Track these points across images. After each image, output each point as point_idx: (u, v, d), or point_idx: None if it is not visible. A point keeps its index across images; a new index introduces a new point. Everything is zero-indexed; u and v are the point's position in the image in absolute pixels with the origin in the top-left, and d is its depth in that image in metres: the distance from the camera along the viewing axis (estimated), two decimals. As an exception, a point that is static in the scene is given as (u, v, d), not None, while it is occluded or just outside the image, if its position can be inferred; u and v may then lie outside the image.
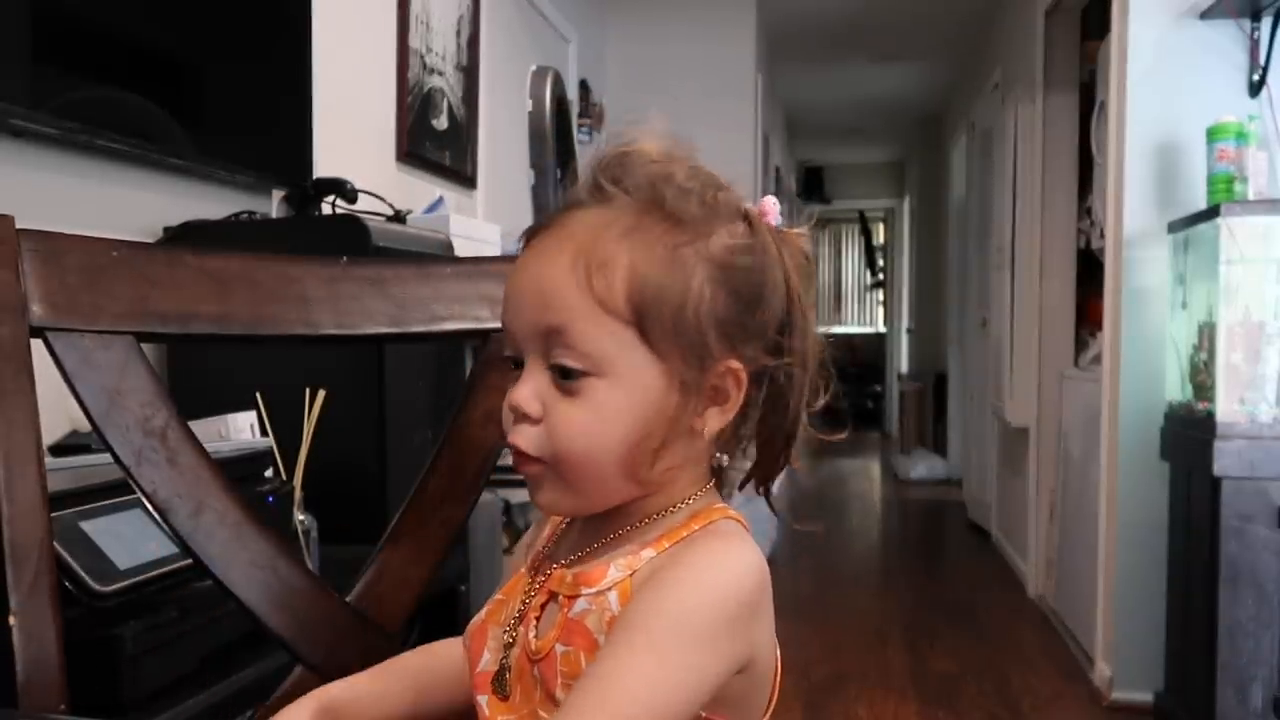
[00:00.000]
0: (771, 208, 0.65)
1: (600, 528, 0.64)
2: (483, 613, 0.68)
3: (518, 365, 0.63)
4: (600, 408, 0.59)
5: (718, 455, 0.65)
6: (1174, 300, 2.73)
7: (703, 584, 0.57)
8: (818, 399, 0.66)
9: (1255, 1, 2.64)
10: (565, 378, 0.60)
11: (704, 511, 0.63)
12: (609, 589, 0.60)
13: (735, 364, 0.61)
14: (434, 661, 0.74)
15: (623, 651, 0.56)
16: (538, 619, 0.63)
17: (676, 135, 0.65)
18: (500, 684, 0.64)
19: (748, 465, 0.67)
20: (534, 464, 0.62)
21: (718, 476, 0.66)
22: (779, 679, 0.64)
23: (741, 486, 0.67)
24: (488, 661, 0.65)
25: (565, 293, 0.59)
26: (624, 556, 0.61)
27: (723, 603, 0.57)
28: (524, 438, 0.61)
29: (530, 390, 0.61)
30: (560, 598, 0.62)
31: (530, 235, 0.64)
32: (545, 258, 0.61)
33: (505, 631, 0.65)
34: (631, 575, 0.60)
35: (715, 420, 0.62)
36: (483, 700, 0.65)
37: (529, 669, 0.62)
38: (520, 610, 0.65)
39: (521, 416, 0.61)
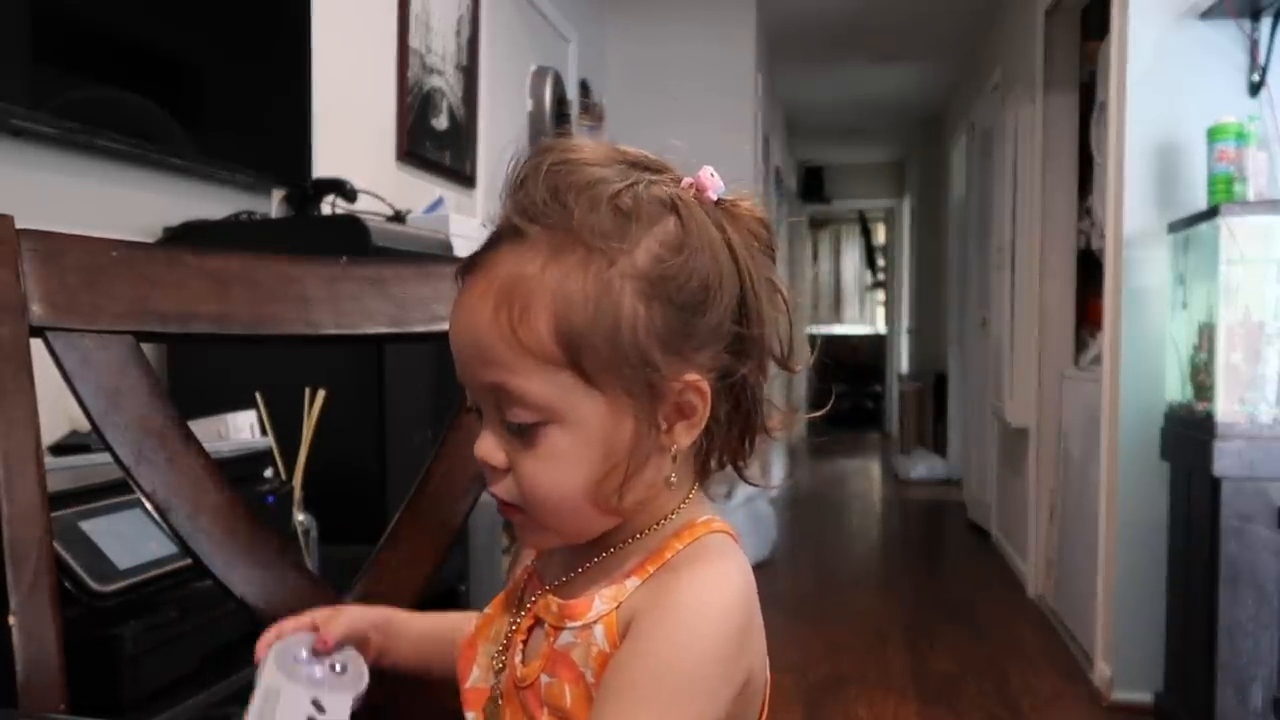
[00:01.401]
0: (710, 180, 0.59)
1: (586, 550, 0.63)
2: (472, 627, 0.69)
3: (480, 413, 0.61)
4: (558, 455, 0.57)
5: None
6: (1174, 300, 2.73)
7: (697, 625, 0.56)
8: (794, 362, 0.63)
9: (1255, 1, 2.63)
10: (520, 431, 0.58)
11: (688, 527, 0.61)
12: (594, 623, 0.59)
13: (693, 376, 0.57)
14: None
15: (633, 712, 0.55)
16: (524, 642, 0.63)
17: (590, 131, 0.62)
18: (493, 711, 0.64)
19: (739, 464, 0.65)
20: (513, 510, 0.61)
21: (703, 479, 0.64)
22: (769, 689, 0.63)
23: (721, 466, 0.64)
24: (477, 678, 0.65)
25: (495, 348, 0.56)
26: (609, 586, 0.60)
27: (720, 638, 0.56)
28: (499, 487, 0.60)
29: (492, 442, 0.59)
30: (546, 625, 0.62)
31: (462, 276, 0.60)
32: (472, 310, 0.58)
33: (494, 658, 0.64)
34: (617, 608, 0.59)
35: (685, 435, 0.59)
36: (471, 717, 0.65)
37: (515, 694, 0.62)
38: (508, 635, 0.64)
39: (491, 467, 0.60)
